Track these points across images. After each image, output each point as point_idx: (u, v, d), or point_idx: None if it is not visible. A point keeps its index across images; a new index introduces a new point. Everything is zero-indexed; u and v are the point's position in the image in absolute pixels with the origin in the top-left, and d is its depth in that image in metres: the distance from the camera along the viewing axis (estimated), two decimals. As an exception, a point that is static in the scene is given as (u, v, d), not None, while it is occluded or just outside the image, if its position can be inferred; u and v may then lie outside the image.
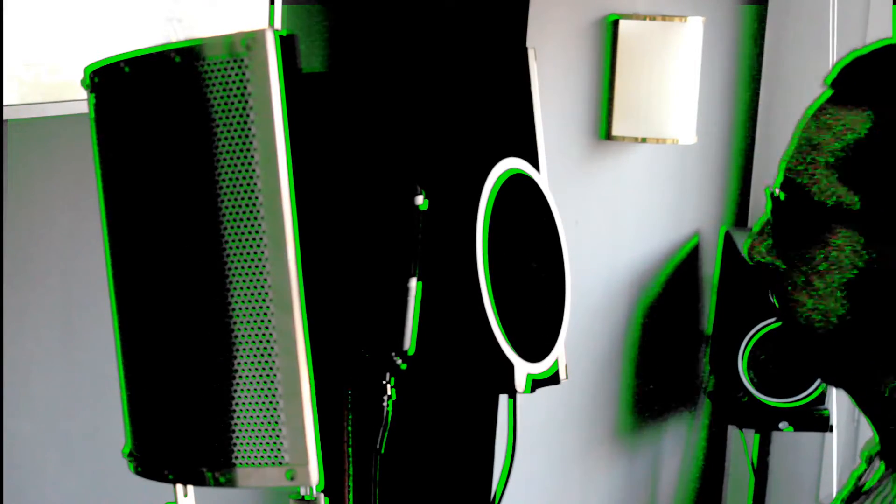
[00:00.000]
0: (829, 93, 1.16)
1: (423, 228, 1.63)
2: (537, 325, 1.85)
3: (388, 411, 1.66)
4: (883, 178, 1.10)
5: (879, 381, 1.15)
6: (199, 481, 1.43)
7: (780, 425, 3.44)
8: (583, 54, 3.23)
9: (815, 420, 3.45)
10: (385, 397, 1.66)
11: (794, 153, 1.16)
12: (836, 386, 1.20)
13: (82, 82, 1.46)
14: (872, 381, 1.15)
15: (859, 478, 1.22)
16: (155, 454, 1.46)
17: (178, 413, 1.43)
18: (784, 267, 1.17)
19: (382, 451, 1.66)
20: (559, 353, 1.86)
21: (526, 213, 1.85)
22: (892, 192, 1.10)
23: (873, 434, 1.20)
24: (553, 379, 1.86)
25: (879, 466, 1.18)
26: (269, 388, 1.36)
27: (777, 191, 1.17)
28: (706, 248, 3.79)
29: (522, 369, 1.78)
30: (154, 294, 1.44)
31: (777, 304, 1.19)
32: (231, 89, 1.35)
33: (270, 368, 1.36)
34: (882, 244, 1.11)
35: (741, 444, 3.61)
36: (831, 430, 3.48)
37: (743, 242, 1.23)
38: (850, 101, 1.13)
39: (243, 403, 1.38)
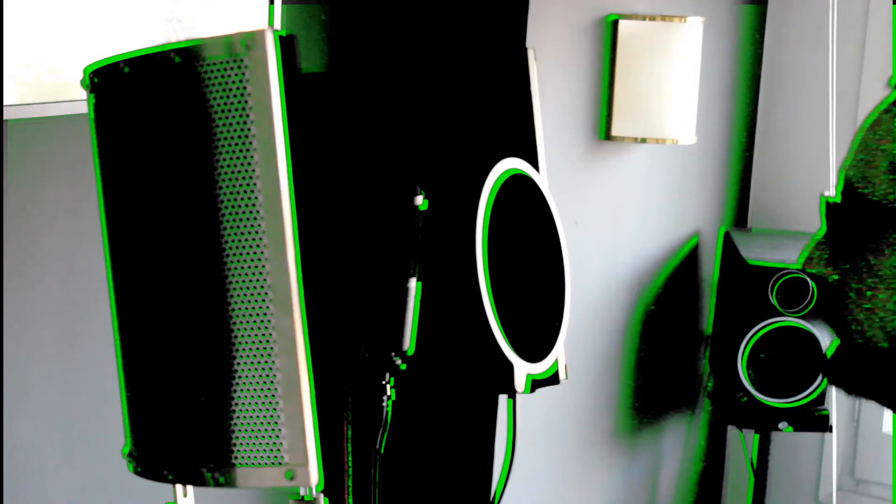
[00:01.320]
0: (895, 95, 1.13)
1: (423, 228, 1.63)
2: (537, 325, 1.85)
3: (387, 411, 1.66)
4: None
5: None
6: (198, 481, 1.44)
7: (780, 425, 3.43)
8: (583, 54, 3.23)
9: (814, 420, 3.45)
10: (385, 397, 1.66)
11: (855, 157, 1.13)
12: (892, 408, 1.16)
13: (82, 82, 1.46)
14: None
15: None
16: (154, 454, 1.46)
17: (178, 413, 1.43)
18: (840, 278, 1.15)
19: (382, 451, 1.66)
20: (559, 353, 1.86)
21: (526, 213, 1.85)
22: None
23: None
24: (553, 379, 1.86)
25: None
26: (269, 388, 1.36)
27: (836, 200, 1.13)
28: (706, 248, 3.79)
29: (522, 369, 1.78)
30: (154, 294, 1.44)
31: (830, 320, 1.15)
32: (231, 89, 1.35)
33: (270, 368, 1.36)
34: None
35: (741, 444, 3.61)
36: (831, 430, 3.48)
37: (799, 255, 1.19)
38: None
39: (243, 403, 1.38)
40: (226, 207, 1.37)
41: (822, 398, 3.43)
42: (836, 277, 1.14)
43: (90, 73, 1.44)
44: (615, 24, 3.27)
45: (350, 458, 1.67)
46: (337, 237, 1.62)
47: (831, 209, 1.14)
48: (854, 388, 1.15)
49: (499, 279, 1.75)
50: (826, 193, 1.15)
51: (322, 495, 1.49)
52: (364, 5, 2.92)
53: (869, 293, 1.12)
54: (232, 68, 1.35)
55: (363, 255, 1.63)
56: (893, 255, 1.10)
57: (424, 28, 2.87)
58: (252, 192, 1.35)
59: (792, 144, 3.82)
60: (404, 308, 1.63)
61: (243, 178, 1.36)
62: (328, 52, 2.85)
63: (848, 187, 1.13)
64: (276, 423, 1.36)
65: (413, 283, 1.63)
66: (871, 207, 1.11)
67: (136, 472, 1.48)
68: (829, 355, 1.15)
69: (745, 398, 3.42)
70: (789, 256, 3.36)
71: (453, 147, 1.81)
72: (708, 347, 3.75)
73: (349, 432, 1.67)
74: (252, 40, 1.35)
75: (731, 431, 3.92)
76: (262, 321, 1.36)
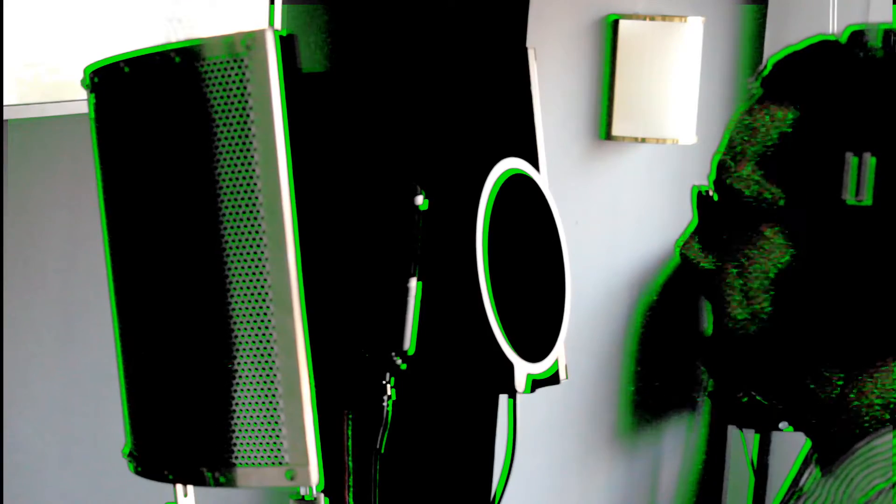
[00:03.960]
0: (761, 91, 1.17)
1: (423, 228, 1.63)
2: (537, 325, 1.84)
3: (388, 411, 1.66)
4: (806, 175, 1.11)
5: (802, 380, 1.16)
6: (199, 481, 1.43)
7: (780, 425, 3.43)
8: (583, 54, 3.23)
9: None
10: (385, 397, 1.66)
11: (724, 151, 1.18)
12: (758, 392, 1.22)
13: (82, 82, 1.45)
14: (796, 380, 1.16)
15: (795, 480, 1.23)
16: (155, 454, 1.46)
17: (178, 413, 1.43)
18: (714, 267, 1.18)
19: (382, 451, 1.66)
20: (559, 353, 1.86)
21: (526, 213, 1.85)
22: (816, 188, 1.11)
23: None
24: (553, 379, 1.85)
25: (815, 471, 1.19)
26: (269, 388, 1.36)
27: (708, 190, 1.19)
28: (706, 248, 3.79)
29: (522, 369, 1.78)
30: (154, 294, 1.44)
31: (707, 307, 1.20)
32: (231, 89, 1.35)
33: (270, 368, 1.36)
34: (806, 240, 1.12)
35: (741, 444, 3.61)
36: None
37: (675, 242, 1.25)
38: (779, 98, 1.14)
39: (243, 403, 1.38)
40: (226, 207, 1.36)
41: (822, 398, 3.43)
42: (709, 265, 1.18)
43: (90, 73, 1.44)
44: (615, 24, 3.27)
45: (350, 458, 1.67)
46: (337, 237, 1.62)
47: (702, 200, 1.18)
48: (721, 373, 1.21)
49: (499, 279, 1.75)
50: (699, 185, 1.20)
51: (322, 495, 1.49)
52: (364, 5, 2.92)
53: (740, 282, 1.15)
54: (232, 68, 1.35)
55: (363, 255, 1.63)
56: (761, 247, 1.14)
57: (425, 28, 2.87)
58: (252, 192, 1.35)
59: (792, 144, 3.82)
60: (404, 308, 1.63)
61: (243, 178, 1.35)
62: (328, 52, 2.85)
63: (719, 180, 1.17)
64: (276, 422, 1.36)
65: (413, 283, 1.63)
66: (739, 201, 1.15)
67: (137, 472, 1.48)
68: (705, 338, 1.22)
69: (746, 398, 3.42)
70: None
71: (454, 147, 1.81)
72: (708, 347, 3.75)
73: (349, 432, 1.67)
74: (252, 40, 1.35)
75: (732, 431, 3.92)
76: (262, 321, 1.36)
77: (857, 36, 1.15)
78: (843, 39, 1.15)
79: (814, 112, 1.12)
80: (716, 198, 1.18)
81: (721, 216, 1.17)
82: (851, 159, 1.09)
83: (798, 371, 1.15)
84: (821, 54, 1.14)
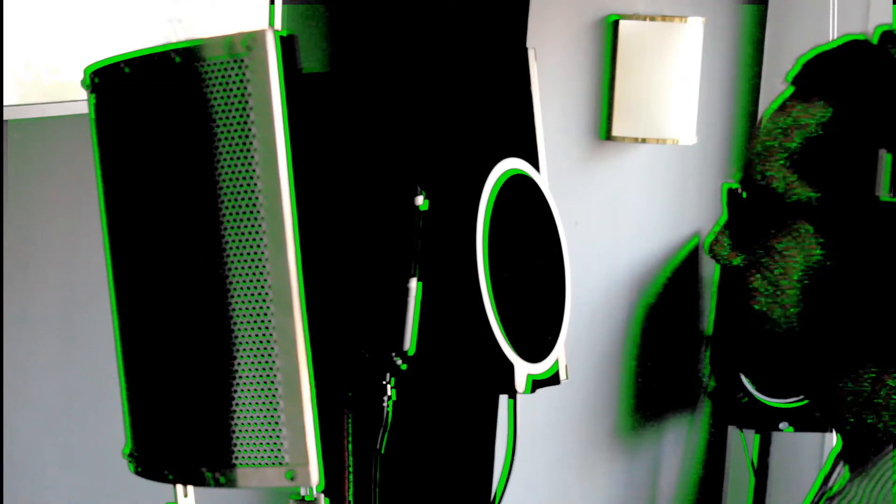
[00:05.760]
0: (792, 89, 1.17)
1: (423, 228, 1.63)
2: (537, 326, 1.85)
3: (388, 411, 1.66)
4: (838, 173, 1.12)
5: (833, 380, 1.15)
6: (199, 481, 1.44)
7: (780, 425, 3.44)
8: (583, 54, 3.23)
9: (815, 420, 3.45)
10: (385, 397, 1.66)
11: (754, 149, 1.18)
12: (788, 390, 1.22)
13: (82, 82, 1.45)
14: (826, 379, 1.16)
15: (826, 480, 1.23)
16: (155, 454, 1.46)
17: (178, 413, 1.43)
18: (743, 264, 1.19)
19: (382, 451, 1.66)
20: (559, 353, 1.86)
21: (526, 213, 1.85)
22: (847, 186, 1.11)
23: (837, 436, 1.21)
24: (553, 379, 1.85)
25: (844, 470, 1.19)
26: (269, 388, 1.36)
27: (738, 188, 1.19)
28: (706, 249, 3.79)
29: (522, 370, 1.78)
30: (154, 294, 1.44)
31: (737, 303, 1.21)
32: (231, 89, 1.35)
33: (270, 368, 1.36)
34: (836, 238, 1.12)
35: (741, 444, 3.61)
36: (831, 430, 3.47)
37: (705, 238, 1.26)
38: (811, 97, 1.15)
39: (243, 403, 1.38)
40: (226, 207, 1.37)
41: (822, 398, 3.42)
42: (739, 262, 1.18)
43: (91, 74, 1.44)
44: (615, 24, 3.27)
45: (350, 458, 1.67)
46: (337, 237, 1.62)
47: (732, 197, 1.19)
48: (727, 363, 1.23)
49: (499, 279, 1.75)
50: (729, 182, 1.20)
51: (322, 495, 1.49)
52: (365, 5, 2.92)
53: (770, 278, 1.16)
54: (232, 68, 1.35)
55: (364, 255, 1.63)
56: (788, 245, 1.14)
57: (425, 28, 2.87)
58: (252, 192, 1.35)
59: (792, 144, 3.82)
60: (404, 308, 1.63)
61: (244, 178, 1.36)
62: (329, 51, 2.85)
63: (748, 177, 1.17)
64: (276, 423, 1.36)
65: (413, 283, 1.63)
66: (770, 198, 1.15)
67: (137, 473, 1.48)
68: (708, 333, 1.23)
69: (746, 398, 3.42)
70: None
71: (454, 147, 1.81)
72: (708, 347, 3.75)
73: (349, 432, 1.67)
74: (252, 40, 1.35)
75: (732, 431, 3.92)
76: (262, 321, 1.36)
77: (889, 35, 1.15)
78: (875, 39, 1.16)
79: (846, 109, 1.12)
80: (745, 195, 1.18)
81: (751, 213, 1.17)
82: (885, 156, 1.09)
83: (827, 369, 1.15)
84: (852, 53, 1.15)
